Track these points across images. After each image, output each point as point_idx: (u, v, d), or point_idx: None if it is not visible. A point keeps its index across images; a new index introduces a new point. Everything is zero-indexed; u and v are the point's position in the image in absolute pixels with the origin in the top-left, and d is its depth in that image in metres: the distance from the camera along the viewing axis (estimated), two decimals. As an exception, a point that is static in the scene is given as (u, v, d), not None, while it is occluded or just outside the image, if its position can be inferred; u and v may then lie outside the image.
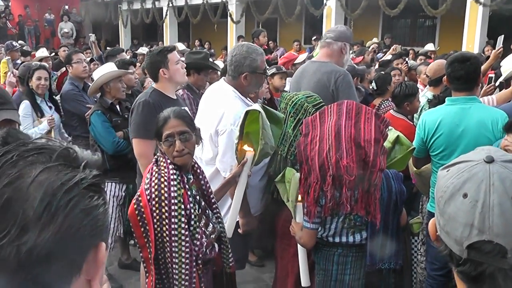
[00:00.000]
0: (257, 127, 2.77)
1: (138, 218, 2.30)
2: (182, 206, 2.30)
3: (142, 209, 2.29)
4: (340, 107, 2.59)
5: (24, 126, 4.13)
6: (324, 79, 3.66)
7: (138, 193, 2.33)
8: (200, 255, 2.41)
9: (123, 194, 4.09)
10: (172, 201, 2.28)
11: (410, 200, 3.87)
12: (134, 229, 2.34)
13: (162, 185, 2.29)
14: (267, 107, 2.97)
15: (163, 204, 2.27)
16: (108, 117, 4.04)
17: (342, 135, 2.46)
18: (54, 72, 6.91)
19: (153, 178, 2.33)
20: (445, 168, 1.05)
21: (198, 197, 2.47)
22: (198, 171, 2.57)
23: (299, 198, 2.75)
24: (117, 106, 4.18)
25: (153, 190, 2.29)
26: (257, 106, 2.87)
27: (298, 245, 2.85)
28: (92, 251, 0.80)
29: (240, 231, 3.08)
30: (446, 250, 1.01)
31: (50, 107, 4.70)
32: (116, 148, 3.95)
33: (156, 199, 2.28)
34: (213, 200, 2.59)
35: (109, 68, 4.36)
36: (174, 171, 2.35)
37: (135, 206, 2.30)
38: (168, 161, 2.39)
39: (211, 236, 2.51)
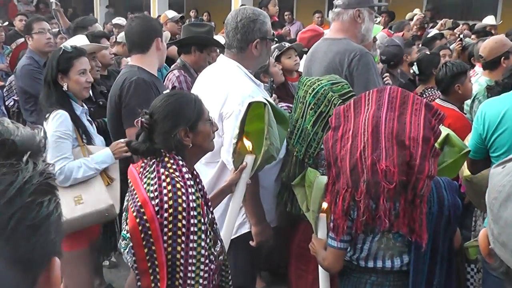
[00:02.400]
0: (260, 125, 2.78)
1: (142, 235, 2.24)
2: (202, 220, 2.28)
3: (147, 224, 2.24)
4: (381, 95, 2.55)
5: (56, 155, 3.19)
6: (336, 62, 3.58)
7: (139, 203, 2.28)
8: (214, 282, 2.40)
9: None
10: (192, 212, 2.25)
11: (461, 215, 3.83)
12: (135, 249, 2.28)
13: (179, 193, 2.25)
14: (270, 101, 2.97)
15: (179, 216, 2.23)
16: (78, 103, 4.01)
17: (381, 130, 2.43)
18: (7, 46, 6.97)
19: (164, 184, 2.28)
20: (500, 164, 1.03)
21: (205, 208, 2.46)
22: (195, 172, 2.57)
23: (324, 207, 2.73)
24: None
25: (165, 199, 2.24)
26: (261, 98, 2.87)
27: (320, 269, 2.82)
28: (43, 272, 0.75)
29: (252, 243, 3.09)
30: (501, 267, 0.99)
31: (90, 122, 3.73)
32: (89, 142, 3.85)
33: (170, 210, 2.23)
34: (211, 209, 2.59)
35: (80, 41, 4.34)
36: (189, 175, 2.34)
37: (137, 220, 2.25)
38: (180, 161, 2.36)
39: (219, 257, 2.51)
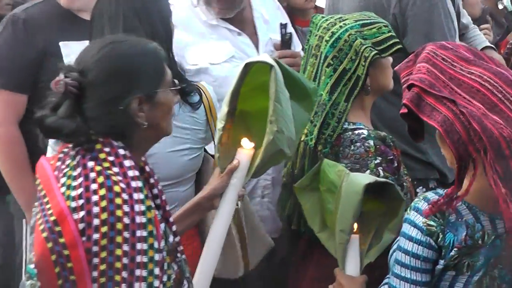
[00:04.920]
0: (264, 101, 2.58)
1: (58, 270, 2.05)
2: (156, 245, 2.14)
3: (66, 251, 2.04)
4: None
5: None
6: None
7: (53, 218, 2.08)
8: None
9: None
10: (138, 233, 2.11)
11: None
12: None
13: (118, 200, 2.10)
14: (284, 64, 2.76)
15: (118, 239, 2.08)
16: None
17: None
18: None
19: (94, 186, 2.12)
20: None
21: (163, 225, 2.33)
22: (147, 168, 2.41)
23: (356, 226, 2.65)
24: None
25: (96, 210, 2.07)
26: (267, 57, 2.67)
27: None
28: None
29: None
30: None
31: None
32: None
33: (104, 229, 2.07)
34: (174, 228, 2.44)
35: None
36: (136, 172, 2.19)
37: (49, 244, 2.05)
38: (121, 150, 2.19)
39: None
